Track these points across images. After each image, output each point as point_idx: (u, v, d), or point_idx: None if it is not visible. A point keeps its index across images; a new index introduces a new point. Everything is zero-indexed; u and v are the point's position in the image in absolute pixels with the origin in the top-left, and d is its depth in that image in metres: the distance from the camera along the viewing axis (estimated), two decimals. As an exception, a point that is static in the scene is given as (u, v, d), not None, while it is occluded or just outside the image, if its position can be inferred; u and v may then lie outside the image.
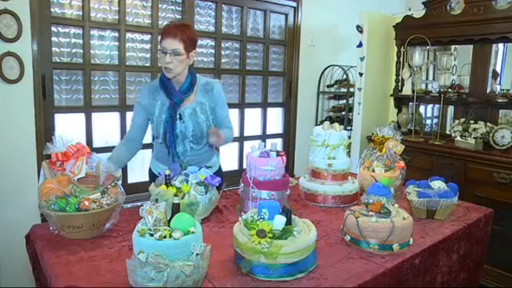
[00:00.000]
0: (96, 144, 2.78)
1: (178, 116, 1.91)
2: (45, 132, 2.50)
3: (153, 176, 2.04)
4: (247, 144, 3.59)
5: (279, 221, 1.21)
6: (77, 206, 1.36)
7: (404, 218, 1.41)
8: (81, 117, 2.72)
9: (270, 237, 1.15)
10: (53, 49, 2.54)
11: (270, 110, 3.76)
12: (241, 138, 3.57)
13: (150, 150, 3.06)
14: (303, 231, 1.24)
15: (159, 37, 1.91)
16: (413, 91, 3.27)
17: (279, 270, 1.16)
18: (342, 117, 3.97)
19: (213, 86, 1.99)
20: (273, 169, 1.64)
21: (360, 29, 3.43)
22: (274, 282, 1.16)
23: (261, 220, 1.21)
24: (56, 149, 1.49)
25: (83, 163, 1.50)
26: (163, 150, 1.96)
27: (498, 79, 3.05)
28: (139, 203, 2.13)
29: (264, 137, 3.69)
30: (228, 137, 2.00)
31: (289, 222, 1.23)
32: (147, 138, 2.99)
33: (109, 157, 1.88)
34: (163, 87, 1.91)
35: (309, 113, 3.98)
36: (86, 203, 1.36)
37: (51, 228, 1.44)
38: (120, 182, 1.55)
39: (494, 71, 3.05)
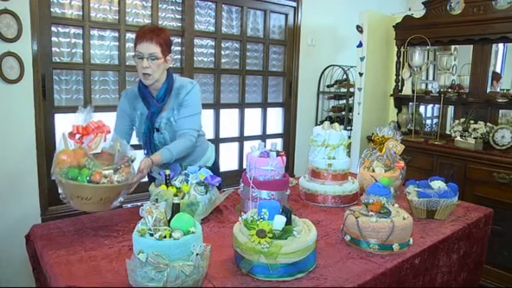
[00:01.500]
0: (96, 144, 2.78)
1: (155, 129, 1.86)
2: (45, 132, 2.50)
3: (151, 178, 2.03)
4: (247, 144, 3.59)
5: (279, 221, 1.21)
6: (88, 178, 1.38)
7: (404, 218, 1.41)
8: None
9: (270, 237, 1.16)
10: (53, 49, 2.54)
11: (270, 110, 3.76)
12: (241, 138, 3.58)
13: (150, 150, 3.07)
14: (303, 231, 1.24)
15: (133, 42, 1.84)
16: (413, 91, 3.27)
17: (279, 270, 1.16)
18: (342, 117, 3.97)
19: (181, 91, 1.86)
20: (273, 169, 1.64)
21: (360, 29, 3.43)
22: (274, 282, 1.16)
23: (261, 220, 1.21)
24: (79, 122, 1.51)
25: (100, 139, 1.52)
26: None
27: (500, 80, 3.04)
28: (139, 203, 2.13)
29: (264, 137, 3.69)
30: (168, 154, 1.74)
31: (289, 222, 1.23)
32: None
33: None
34: (141, 96, 1.85)
35: (309, 113, 3.98)
36: (97, 176, 1.39)
37: (60, 196, 1.45)
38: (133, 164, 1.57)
39: (495, 73, 3.05)
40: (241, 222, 1.27)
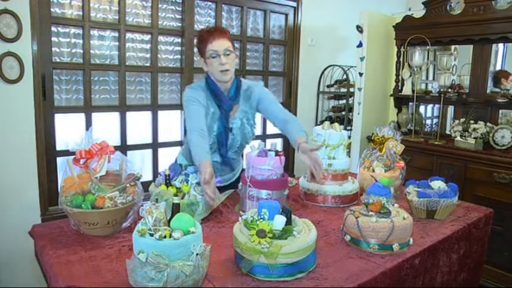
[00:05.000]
0: (96, 144, 2.78)
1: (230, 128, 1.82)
2: (45, 132, 2.50)
3: None
4: (247, 144, 3.59)
5: (279, 221, 1.21)
6: (92, 204, 1.39)
7: (404, 218, 1.41)
8: (81, 117, 2.72)
9: (270, 237, 1.15)
10: (53, 49, 2.54)
11: (270, 110, 3.76)
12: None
13: (151, 150, 3.07)
14: (303, 231, 1.24)
15: (196, 42, 1.82)
16: (413, 91, 3.27)
17: (279, 270, 1.16)
18: (342, 117, 3.97)
19: (252, 91, 1.88)
20: (270, 168, 1.64)
21: (360, 29, 3.43)
22: (274, 282, 1.16)
23: (261, 220, 1.21)
24: (81, 147, 1.51)
25: (105, 161, 1.52)
26: None
27: (510, 78, 3.00)
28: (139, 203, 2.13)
29: (264, 136, 3.69)
30: (301, 129, 1.76)
31: (289, 222, 1.23)
32: (144, 139, 3.01)
33: (199, 155, 1.62)
34: (212, 94, 1.81)
35: (309, 113, 3.98)
36: (101, 201, 1.39)
37: (71, 224, 1.48)
38: (139, 182, 1.57)
39: (503, 71, 3.02)
40: (241, 222, 1.27)
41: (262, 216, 1.22)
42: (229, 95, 1.82)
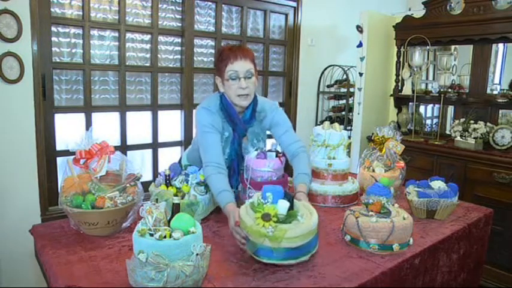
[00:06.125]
0: (96, 144, 2.78)
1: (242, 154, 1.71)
2: (45, 132, 2.50)
3: None
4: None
5: (283, 205, 1.23)
6: (92, 204, 1.39)
7: (404, 218, 1.41)
8: (81, 117, 2.72)
9: (274, 221, 1.18)
10: (53, 49, 2.54)
11: (270, 110, 3.76)
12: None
13: (151, 150, 3.08)
14: (305, 214, 1.26)
15: (215, 59, 1.69)
16: (413, 91, 3.27)
17: (283, 254, 1.19)
18: (342, 117, 3.97)
19: (266, 115, 1.75)
20: (270, 170, 1.64)
21: (360, 29, 3.43)
22: (275, 282, 1.16)
23: (267, 204, 1.23)
24: (81, 147, 1.51)
25: (105, 161, 1.52)
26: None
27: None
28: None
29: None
30: (308, 178, 1.63)
31: (291, 207, 1.26)
32: (144, 139, 3.01)
33: (223, 198, 1.50)
34: (227, 116, 1.67)
35: (309, 113, 3.98)
36: (101, 201, 1.39)
37: (71, 224, 1.48)
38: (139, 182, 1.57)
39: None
40: (248, 205, 1.30)
41: (266, 200, 1.24)
42: (244, 118, 1.70)
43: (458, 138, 2.91)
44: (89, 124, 2.73)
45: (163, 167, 2.09)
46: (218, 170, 1.56)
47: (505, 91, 2.90)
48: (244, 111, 1.71)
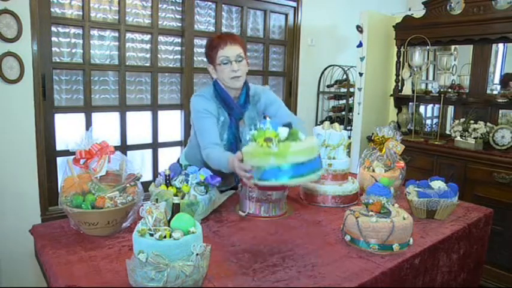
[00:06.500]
0: (96, 144, 2.78)
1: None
2: (45, 132, 2.50)
3: None
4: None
5: (283, 130, 1.25)
6: (92, 204, 1.39)
7: (404, 218, 1.41)
8: (81, 117, 2.72)
9: (277, 141, 1.20)
10: (53, 49, 2.54)
11: (270, 110, 3.76)
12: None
13: (151, 150, 3.08)
14: (305, 136, 1.29)
15: (206, 48, 1.78)
16: (413, 91, 3.27)
17: (290, 171, 1.17)
18: (342, 117, 3.97)
19: (259, 97, 1.83)
20: None
21: (360, 29, 3.43)
22: (274, 282, 1.16)
23: (267, 129, 1.24)
24: (81, 147, 1.51)
25: (105, 161, 1.52)
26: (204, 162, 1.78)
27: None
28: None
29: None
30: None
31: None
32: (144, 139, 3.01)
33: (223, 160, 1.58)
34: (222, 101, 1.75)
35: (309, 113, 3.98)
36: (101, 201, 1.39)
37: (71, 224, 1.48)
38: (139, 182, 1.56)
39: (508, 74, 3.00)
40: (248, 140, 1.31)
41: (266, 128, 1.26)
42: (240, 102, 1.78)
43: (458, 138, 2.91)
44: (89, 124, 2.73)
45: (163, 167, 2.09)
46: (217, 148, 1.64)
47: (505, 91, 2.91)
48: (238, 97, 1.78)
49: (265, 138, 1.19)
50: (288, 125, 1.27)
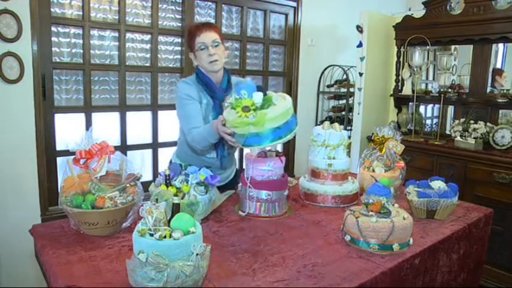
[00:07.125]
0: (96, 144, 2.78)
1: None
2: (45, 132, 2.50)
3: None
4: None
5: (258, 96, 1.39)
6: (92, 204, 1.39)
7: (404, 218, 1.41)
8: (81, 117, 2.72)
9: (254, 110, 1.33)
10: (53, 49, 2.54)
11: (270, 110, 3.76)
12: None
13: (151, 150, 3.08)
14: (279, 99, 1.42)
15: (186, 37, 1.93)
16: (413, 91, 3.27)
17: (269, 136, 1.33)
18: (342, 117, 3.97)
19: (240, 85, 1.93)
20: (270, 169, 1.64)
21: (360, 29, 3.43)
22: (274, 282, 1.16)
23: (243, 98, 1.37)
24: (81, 147, 1.51)
25: (105, 161, 1.52)
26: (193, 155, 1.91)
27: (503, 75, 3.02)
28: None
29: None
30: None
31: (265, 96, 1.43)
32: (144, 139, 3.01)
33: (206, 131, 1.68)
34: (204, 85, 1.84)
35: (309, 113, 3.98)
36: (101, 201, 1.39)
37: (71, 224, 1.48)
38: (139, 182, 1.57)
39: (496, 69, 3.03)
40: (228, 106, 1.44)
41: (242, 96, 1.38)
42: (222, 86, 1.88)
43: (458, 138, 2.91)
44: (89, 124, 2.73)
45: (163, 167, 2.10)
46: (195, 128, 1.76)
47: (505, 91, 2.90)
48: (221, 82, 1.89)
49: (242, 107, 1.32)
50: (261, 89, 1.41)
